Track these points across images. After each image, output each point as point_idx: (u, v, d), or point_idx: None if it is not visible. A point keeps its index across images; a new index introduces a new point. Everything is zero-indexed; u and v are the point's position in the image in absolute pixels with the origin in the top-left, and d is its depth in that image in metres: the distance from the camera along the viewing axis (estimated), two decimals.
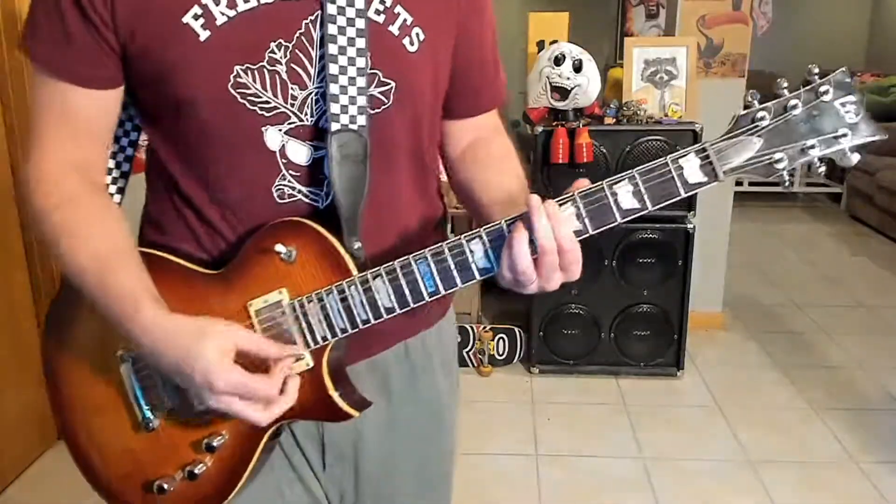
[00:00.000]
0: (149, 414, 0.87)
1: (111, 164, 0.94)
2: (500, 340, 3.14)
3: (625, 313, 2.99)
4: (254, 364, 0.79)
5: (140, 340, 0.79)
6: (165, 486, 0.87)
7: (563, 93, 2.78)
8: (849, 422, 2.70)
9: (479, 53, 0.96)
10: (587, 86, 2.78)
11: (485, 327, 3.14)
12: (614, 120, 2.88)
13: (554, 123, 2.81)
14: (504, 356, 3.15)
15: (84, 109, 0.84)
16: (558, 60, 2.77)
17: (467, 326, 3.10)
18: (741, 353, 3.30)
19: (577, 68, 2.76)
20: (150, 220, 0.93)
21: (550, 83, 2.79)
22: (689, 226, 2.88)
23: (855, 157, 0.76)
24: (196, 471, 0.86)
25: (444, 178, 1.03)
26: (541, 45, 2.95)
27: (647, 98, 2.94)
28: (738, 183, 5.21)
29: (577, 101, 2.79)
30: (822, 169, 0.76)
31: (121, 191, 0.97)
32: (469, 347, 3.11)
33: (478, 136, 1.00)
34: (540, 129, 2.84)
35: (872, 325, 3.60)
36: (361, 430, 0.98)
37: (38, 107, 0.84)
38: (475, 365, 3.11)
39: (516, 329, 3.15)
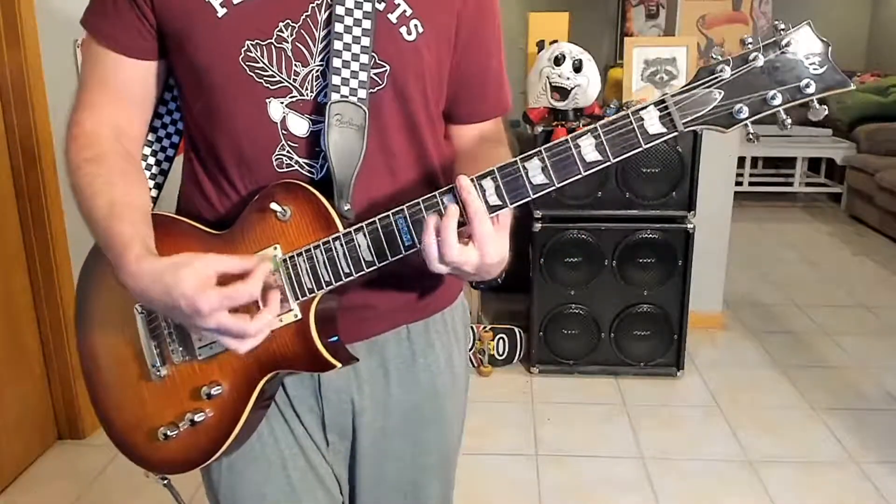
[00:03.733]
0: (158, 363, 0.94)
1: (156, 147, 1.03)
2: (500, 340, 3.14)
3: (625, 313, 2.99)
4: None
5: (128, 283, 0.86)
6: (169, 433, 0.94)
7: (563, 93, 2.78)
8: (849, 422, 2.70)
9: (483, 61, 1.00)
10: (587, 86, 2.78)
11: (485, 327, 3.14)
12: None
13: (554, 123, 2.82)
14: (504, 356, 3.15)
15: (124, 77, 0.93)
16: (558, 60, 2.77)
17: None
18: (741, 352, 3.30)
19: (577, 68, 2.76)
20: (180, 192, 1.02)
21: (550, 83, 2.79)
22: (689, 226, 2.88)
23: (822, 109, 0.76)
24: (196, 419, 0.93)
25: None
26: (541, 45, 2.95)
27: (648, 98, 2.93)
28: (738, 183, 5.21)
29: (577, 101, 2.80)
30: (789, 121, 0.77)
31: (163, 172, 1.05)
32: (469, 347, 3.10)
33: (476, 143, 1.03)
34: (540, 129, 2.84)
35: (872, 325, 3.60)
36: (360, 409, 1.01)
37: (86, 71, 0.95)
38: (475, 365, 3.11)
39: (516, 329, 3.15)
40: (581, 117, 2.83)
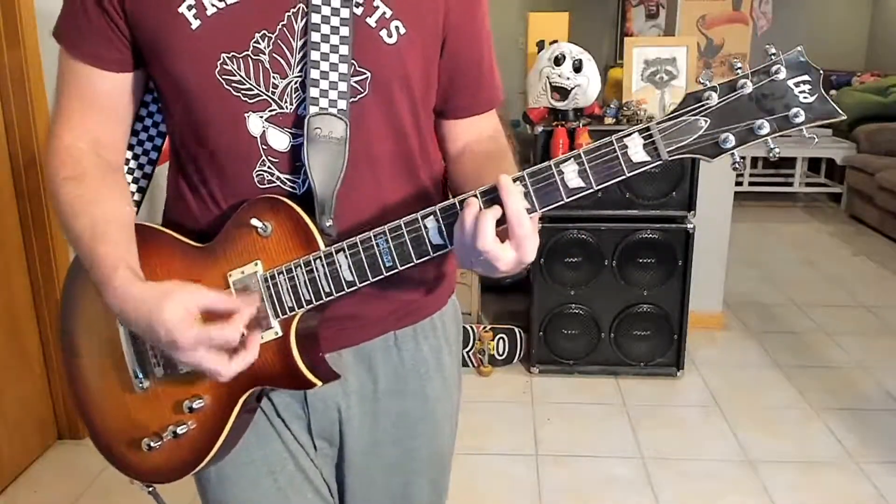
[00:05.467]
0: (140, 375, 0.94)
1: (138, 150, 1.01)
2: (500, 340, 3.14)
3: (625, 313, 2.99)
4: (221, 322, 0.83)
5: (112, 305, 0.85)
6: (152, 444, 0.94)
7: (563, 93, 2.78)
8: (849, 422, 2.70)
9: (473, 55, 0.98)
10: (587, 86, 2.78)
11: (485, 327, 3.14)
12: (614, 120, 2.88)
13: (554, 123, 2.82)
14: (504, 356, 3.15)
15: (100, 89, 0.91)
16: (558, 60, 2.77)
17: (467, 326, 3.10)
18: (741, 352, 3.30)
19: (577, 68, 2.76)
20: (166, 202, 1.01)
21: (550, 83, 2.79)
22: (689, 226, 2.88)
23: (811, 139, 0.74)
24: (179, 431, 0.92)
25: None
26: (541, 45, 2.95)
27: (647, 98, 2.94)
28: (738, 183, 5.21)
29: (577, 101, 2.79)
30: (777, 150, 0.76)
31: (147, 176, 1.03)
32: (469, 347, 3.11)
33: (476, 137, 1.01)
34: (540, 129, 2.84)
35: (872, 325, 3.60)
36: (347, 416, 1.01)
37: (62, 85, 0.93)
38: (475, 365, 3.11)
39: (516, 329, 3.15)
40: (581, 117, 2.83)
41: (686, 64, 2.94)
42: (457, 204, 0.80)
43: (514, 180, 0.78)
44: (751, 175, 6.02)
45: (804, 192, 6.12)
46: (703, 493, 2.33)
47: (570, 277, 2.96)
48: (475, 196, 0.79)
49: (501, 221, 0.77)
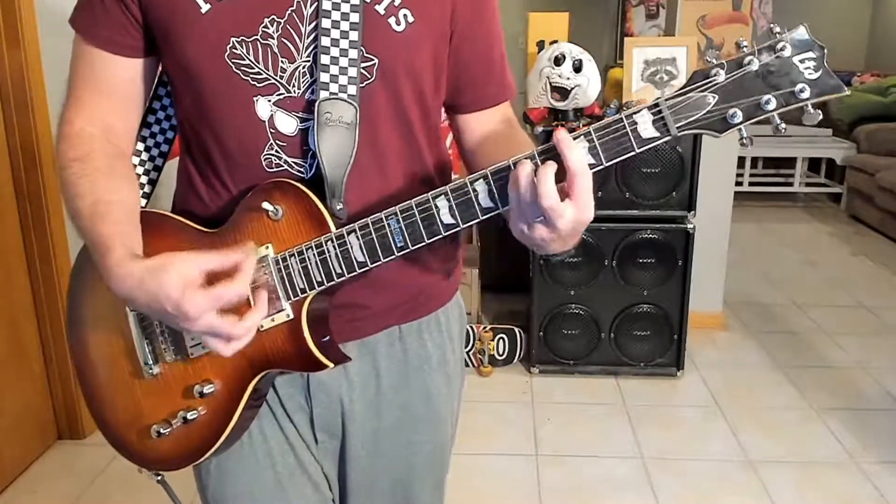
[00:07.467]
0: (150, 361, 0.94)
1: (150, 143, 1.02)
2: (500, 340, 3.14)
3: (625, 313, 2.99)
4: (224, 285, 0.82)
5: (113, 287, 0.84)
6: (163, 430, 0.94)
7: (563, 93, 2.78)
8: (849, 422, 2.70)
9: (479, 51, 0.98)
10: (587, 86, 2.78)
11: (485, 327, 3.14)
12: None
13: (554, 123, 2.82)
14: (504, 356, 3.15)
15: (114, 75, 0.93)
16: (558, 60, 2.77)
17: (467, 326, 3.10)
18: (741, 353, 3.30)
19: (577, 68, 2.77)
20: (175, 190, 1.01)
21: (550, 83, 2.79)
22: (689, 226, 2.88)
23: (817, 114, 0.75)
24: (189, 416, 0.93)
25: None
26: (541, 45, 2.95)
27: (648, 98, 2.93)
28: (738, 183, 5.21)
29: (577, 101, 2.80)
30: (783, 126, 0.76)
31: (157, 168, 1.04)
32: (469, 347, 3.11)
33: (492, 129, 1.02)
34: (540, 129, 2.84)
35: (872, 325, 3.60)
36: (350, 409, 1.01)
37: (75, 71, 0.94)
38: (475, 365, 3.11)
39: (516, 329, 3.15)
40: (581, 117, 2.83)
41: (686, 64, 2.94)
42: (511, 165, 0.78)
43: (524, 158, 0.77)
44: (751, 175, 6.02)
45: (804, 192, 6.12)
46: (703, 493, 2.33)
47: (570, 277, 2.96)
48: (532, 156, 0.77)
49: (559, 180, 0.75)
